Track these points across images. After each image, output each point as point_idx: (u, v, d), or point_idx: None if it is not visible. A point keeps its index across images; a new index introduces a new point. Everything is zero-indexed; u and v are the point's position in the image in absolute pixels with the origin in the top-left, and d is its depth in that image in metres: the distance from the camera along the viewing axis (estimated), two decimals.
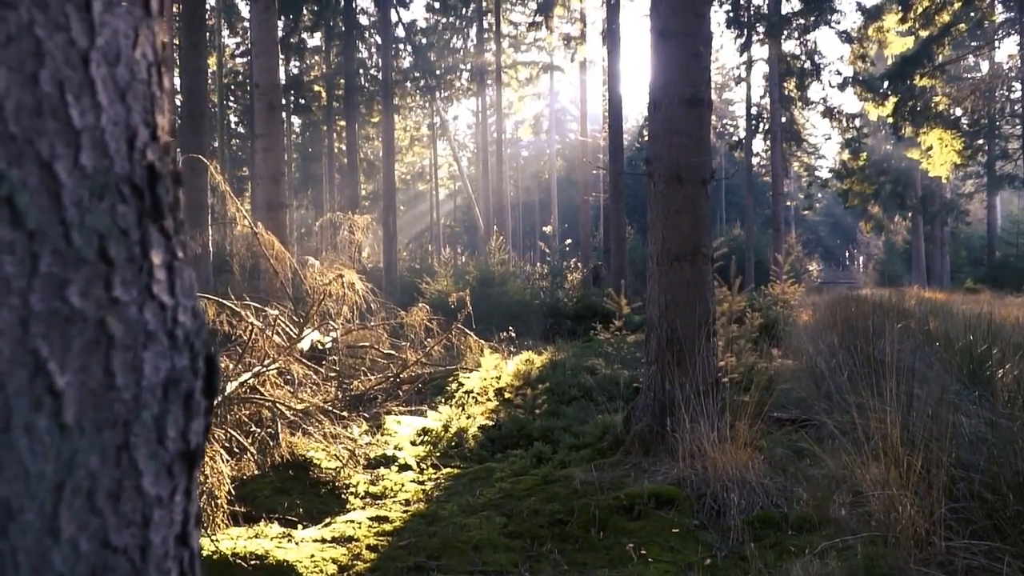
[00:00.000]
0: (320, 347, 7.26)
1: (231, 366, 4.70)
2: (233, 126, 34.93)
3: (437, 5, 30.84)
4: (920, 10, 19.54)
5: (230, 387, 4.70)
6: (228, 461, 3.85)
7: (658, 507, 3.57)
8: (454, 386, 6.69)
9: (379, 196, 26.88)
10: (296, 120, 34.04)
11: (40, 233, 0.48)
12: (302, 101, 29.93)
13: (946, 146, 19.97)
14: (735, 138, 42.57)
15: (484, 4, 28.84)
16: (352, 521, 3.63)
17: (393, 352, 7.46)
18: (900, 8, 19.80)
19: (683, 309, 4.24)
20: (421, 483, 4.39)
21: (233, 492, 3.65)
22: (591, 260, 23.14)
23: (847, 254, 65.49)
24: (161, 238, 0.56)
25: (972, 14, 20.18)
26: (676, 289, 4.25)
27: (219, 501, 3.39)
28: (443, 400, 6.38)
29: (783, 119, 25.29)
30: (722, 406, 4.30)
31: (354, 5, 25.37)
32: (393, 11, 23.84)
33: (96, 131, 0.51)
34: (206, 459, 3.59)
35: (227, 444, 4.30)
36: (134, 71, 0.54)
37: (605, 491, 3.73)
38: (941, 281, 32.81)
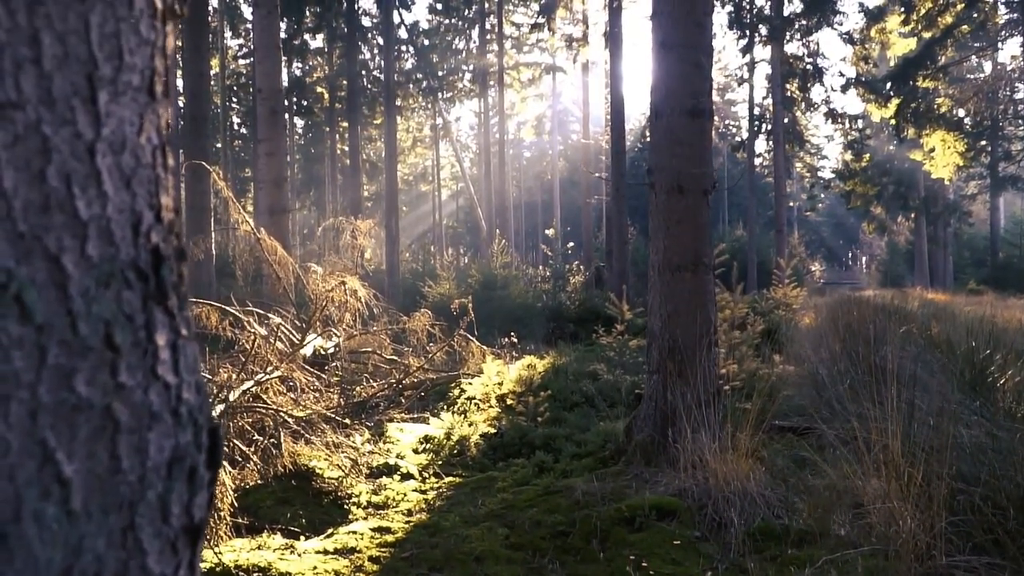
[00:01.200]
0: (323, 352, 7.28)
1: (233, 376, 4.71)
2: (236, 127, 35.01)
3: (439, 6, 30.87)
4: (923, 12, 19.52)
5: (233, 395, 4.72)
6: (231, 472, 3.87)
7: (659, 518, 3.58)
8: (456, 392, 6.70)
9: (382, 197, 26.89)
10: (299, 122, 34.10)
11: (48, 326, 0.49)
12: (304, 103, 29.98)
13: (949, 148, 19.94)
14: (738, 139, 42.58)
15: (486, 5, 28.86)
16: (354, 532, 3.64)
17: (395, 358, 7.48)
18: (903, 10, 19.78)
19: (684, 319, 4.25)
20: (423, 492, 4.40)
21: (236, 503, 3.66)
22: (594, 261, 23.14)
23: (850, 254, 65.45)
24: (165, 318, 0.57)
25: (975, 15, 20.15)
26: (677, 299, 4.26)
27: (222, 513, 3.41)
28: (445, 407, 6.39)
29: (785, 120, 25.28)
30: (724, 414, 4.31)
31: (356, 7, 25.41)
32: (395, 13, 23.87)
33: (102, 220, 0.52)
34: None
35: (230, 453, 4.32)
36: (139, 157, 0.56)
37: (607, 502, 3.74)
38: (944, 282, 32.77)
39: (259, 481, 4.21)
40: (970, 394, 4.95)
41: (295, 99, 29.75)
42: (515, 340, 9.23)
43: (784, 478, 3.99)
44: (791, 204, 45.35)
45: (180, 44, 13.70)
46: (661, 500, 3.69)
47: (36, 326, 0.48)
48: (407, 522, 3.85)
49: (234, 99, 32.62)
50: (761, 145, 31.96)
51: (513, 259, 16.56)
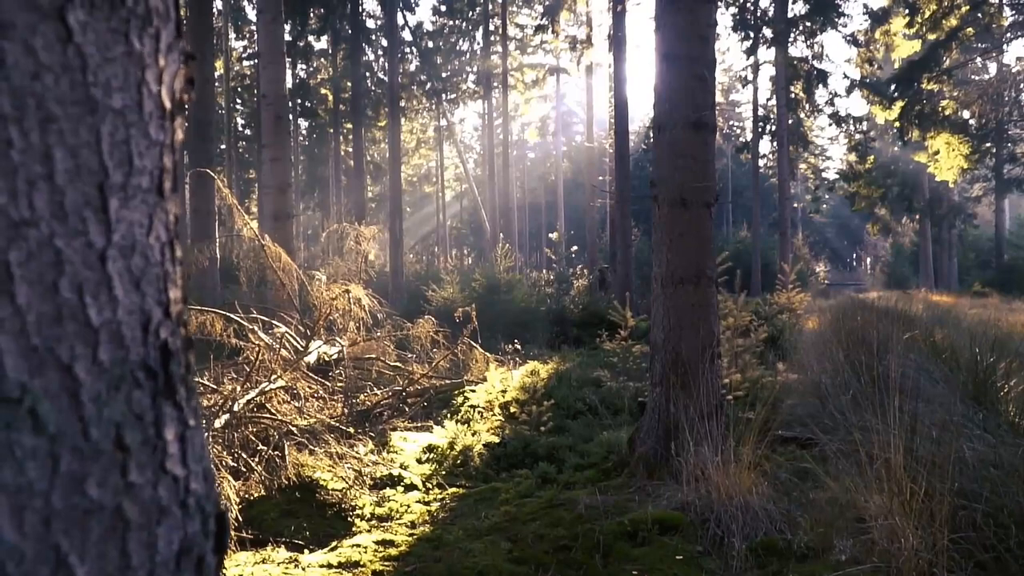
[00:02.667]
0: (327, 359, 7.30)
1: (238, 388, 4.73)
2: (240, 129, 35.09)
3: (443, 8, 30.90)
4: (927, 14, 19.48)
5: (237, 406, 4.74)
6: (234, 485, 3.89)
7: (662, 533, 3.58)
8: (460, 400, 6.71)
9: (385, 199, 26.92)
10: (303, 123, 34.16)
11: (60, 435, 0.51)
12: (308, 105, 30.03)
13: (953, 150, 19.90)
14: (742, 140, 42.55)
15: (490, 7, 28.88)
16: (358, 545, 3.66)
17: (399, 364, 7.49)
18: (907, 12, 19.75)
19: (687, 332, 4.26)
20: (427, 503, 4.41)
21: (240, 517, 3.68)
22: (598, 263, 23.15)
23: (854, 255, 65.32)
24: (174, 412, 0.58)
25: (980, 15, 20.11)
26: (680, 312, 4.27)
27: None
28: (448, 415, 6.41)
29: (790, 121, 25.25)
30: (727, 424, 4.31)
31: (360, 9, 25.43)
32: (399, 15, 23.91)
33: (113, 324, 0.54)
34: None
35: (234, 464, 4.34)
36: (148, 257, 0.57)
37: (609, 516, 3.75)
38: (949, 284, 32.71)
39: (263, 492, 4.23)
40: (973, 405, 4.94)
41: (299, 101, 29.82)
42: (519, 346, 9.25)
43: (787, 491, 3.99)
44: (795, 205, 45.29)
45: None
46: (664, 514, 3.69)
47: (49, 436, 0.50)
48: (411, 535, 3.86)
49: (238, 101, 32.69)
50: (765, 146, 31.95)
51: (517, 260, 16.60)
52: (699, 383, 4.23)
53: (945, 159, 20.08)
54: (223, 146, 28.95)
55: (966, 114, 23.20)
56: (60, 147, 0.51)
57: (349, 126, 28.62)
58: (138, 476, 0.55)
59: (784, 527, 3.60)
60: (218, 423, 4.45)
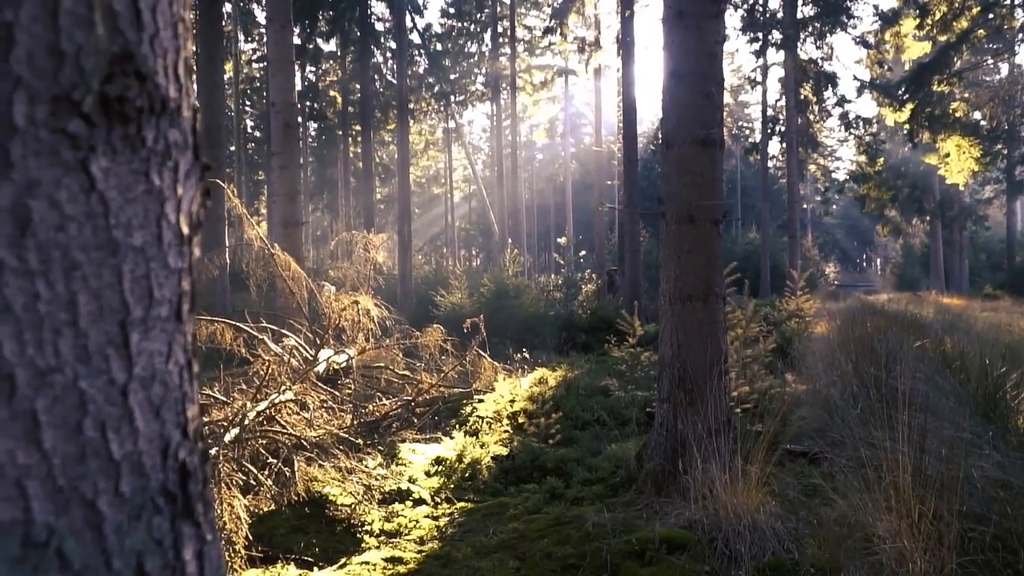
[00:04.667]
0: (336, 368, 7.34)
1: (248, 404, 4.76)
2: (250, 131, 35.23)
3: (452, 11, 30.94)
4: (938, 16, 19.37)
5: (247, 419, 4.77)
6: (244, 502, 3.92)
7: (670, 552, 3.59)
8: (468, 410, 6.73)
9: (394, 200, 26.99)
10: (312, 126, 34.26)
11: (84, 570, 0.52)
12: (317, 108, 30.11)
13: (964, 153, 19.79)
14: (751, 140, 42.43)
15: (499, 9, 28.90)
16: (367, 563, 3.68)
17: (408, 373, 7.52)
18: (918, 14, 19.65)
19: (695, 348, 4.27)
20: (435, 518, 4.43)
21: (250, 534, 3.71)
22: (606, 265, 23.14)
23: (864, 256, 65.03)
24: (193, 530, 0.60)
25: (991, 16, 19.99)
26: (688, 328, 4.28)
27: (237, 547, 3.46)
28: (457, 425, 6.43)
29: (799, 121, 25.17)
30: (735, 438, 4.32)
31: (369, 12, 25.50)
32: (408, 17, 23.95)
33: (134, 455, 0.56)
34: (224, 502, 3.66)
35: (244, 479, 4.37)
36: (167, 383, 0.59)
37: (617, 534, 3.77)
38: (960, 286, 32.54)
39: (273, 507, 4.26)
40: (983, 420, 4.93)
41: (308, 104, 29.90)
42: (527, 353, 9.27)
43: (795, 509, 3.99)
44: (805, 206, 45.14)
45: (195, 51, 13.82)
46: (671, 533, 3.70)
47: (74, 572, 0.52)
48: (419, 551, 3.89)
49: (247, 103, 32.81)
50: (774, 147, 31.86)
51: (526, 261, 16.62)
52: (707, 400, 4.24)
53: (956, 162, 19.98)
54: (232, 147, 29.06)
55: (977, 116, 23.09)
56: (84, 292, 0.53)
57: (358, 128, 28.68)
58: None
59: (792, 547, 3.60)
60: (228, 437, 4.48)
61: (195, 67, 12.28)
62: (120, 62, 0.53)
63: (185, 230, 0.61)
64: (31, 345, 0.50)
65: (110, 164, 0.54)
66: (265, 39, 19.91)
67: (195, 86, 0.61)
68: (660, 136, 4.50)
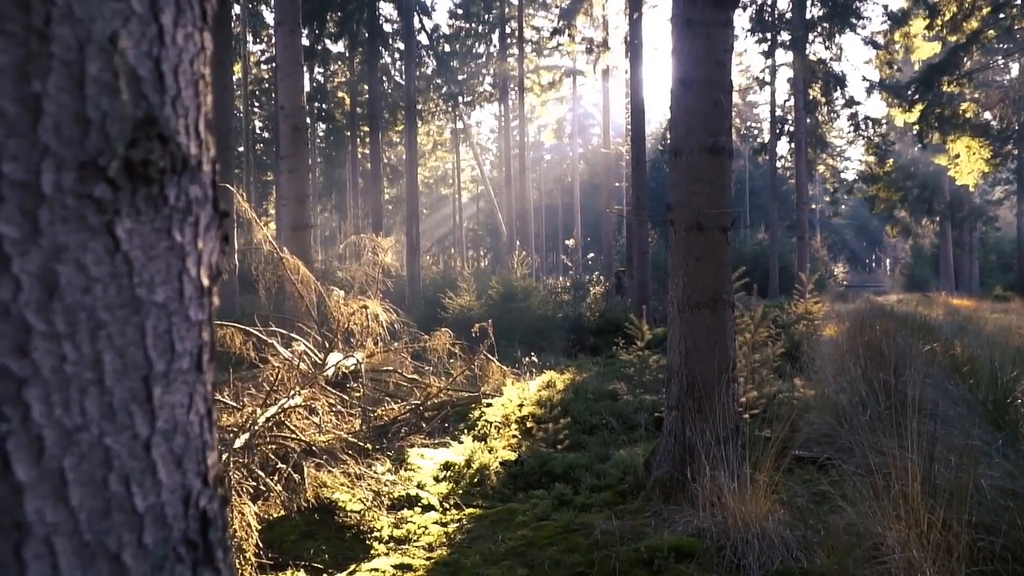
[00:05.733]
0: (345, 371, 7.36)
1: (258, 410, 4.79)
2: (258, 132, 35.35)
3: (460, 12, 30.97)
4: (948, 16, 19.29)
5: (257, 425, 4.79)
6: (254, 509, 3.94)
7: (678, 560, 3.60)
8: (476, 414, 6.75)
9: (402, 201, 27.03)
10: (320, 127, 34.36)
11: None
12: (326, 109, 30.19)
13: (974, 154, 19.70)
14: (759, 141, 42.30)
15: (507, 10, 28.92)
16: (376, 570, 3.70)
17: (416, 376, 7.54)
18: (927, 14, 19.56)
19: (704, 356, 4.27)
20: (444, 525, 4.45)
21: (260, 541, 3.73)
22: (614, 266, 23.13)
23: (873, 257, 64.77)
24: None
25: (1002, 16, 19.88)
26: (697, 336, 4.28)
27: (247, 554, 3.48)
28: (465, 429, 6.44)
29: (808, 121, 25.09)
30: (743, 444, 4.32)
31: (377, 13, 25.55)
32: (416, 19, 23.99)
33: (157, 507, 0.57)
34: (235, 510, 3.68)
35: (253, 484, 4.39)
36: (188, 434, 0.60)
37: (625, 542, 3.77)
38: (970, 287, 32.38)
39: (282, 513, 4.29)
40: (993, 428, 4.91)
41: (317, 105, 29.99)
42: (535, 357, 9.28)
43: (804, 517, 3.99)
44: (814, 207, 44.99)
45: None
46: (680, 541, 3.71)
47: None
48: (428, 558, 3.90)
49: (256, 105, 32.93)
50: (783, 148, 31.77)
51: (533, 262, 16.65)
52: (715, 407, 4.24)
53: (965, 163, 19.89)
54: (241, 148, 29.17)
55: (987, 116, 22.97)
56: (109, 350, 0.54)
57: (366, 129, 28.73)
58: None
59: (800, 555, 3.60)
60: (238, 443, 4.50)
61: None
62: (144, 127, 0.54)
63: (205, 282, 0.62)
64: (59, 406, 0.51)
65: (134, 224, 0.56)
66: (274, 40, 19.97)
67: (213, 136, 0.63)
68: (668, 142, 4.50)
